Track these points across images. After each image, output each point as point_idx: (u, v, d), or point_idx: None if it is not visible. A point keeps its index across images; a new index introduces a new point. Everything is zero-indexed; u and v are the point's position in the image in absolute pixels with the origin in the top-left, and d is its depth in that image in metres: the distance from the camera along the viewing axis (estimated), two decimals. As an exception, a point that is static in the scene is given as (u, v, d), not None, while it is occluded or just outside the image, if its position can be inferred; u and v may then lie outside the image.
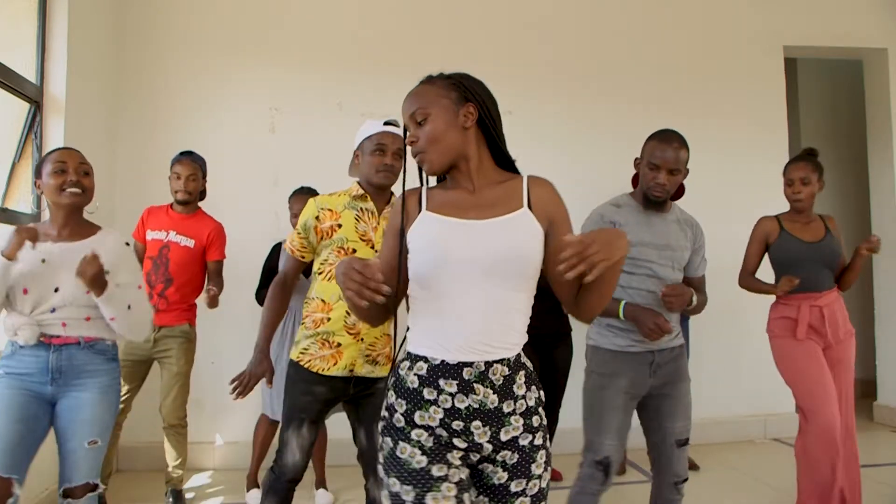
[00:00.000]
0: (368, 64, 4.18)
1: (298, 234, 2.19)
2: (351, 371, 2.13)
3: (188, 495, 3.42)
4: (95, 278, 2.00)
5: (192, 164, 3.19)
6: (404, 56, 4.16)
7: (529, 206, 1.36)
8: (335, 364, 2.12)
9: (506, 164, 1.45)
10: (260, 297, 3.55)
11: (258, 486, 3.26)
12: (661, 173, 2.21)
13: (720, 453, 3.92)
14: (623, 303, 2.19)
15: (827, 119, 5.89)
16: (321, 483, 3.37)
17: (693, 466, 3.75)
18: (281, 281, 2.24)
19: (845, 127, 5.78)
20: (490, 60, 4.27)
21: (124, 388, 3.10)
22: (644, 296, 2.23)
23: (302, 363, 2.16)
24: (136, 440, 3.45)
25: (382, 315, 1.44)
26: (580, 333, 3.65)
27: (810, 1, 4.72)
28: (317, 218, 2.15)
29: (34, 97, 3.34)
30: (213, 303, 3.15)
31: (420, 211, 1.37)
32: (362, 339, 2.13)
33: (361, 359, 2.13)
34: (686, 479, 2.27)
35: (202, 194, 3.32)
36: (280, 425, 2.21)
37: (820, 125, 5.85)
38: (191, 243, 3.18)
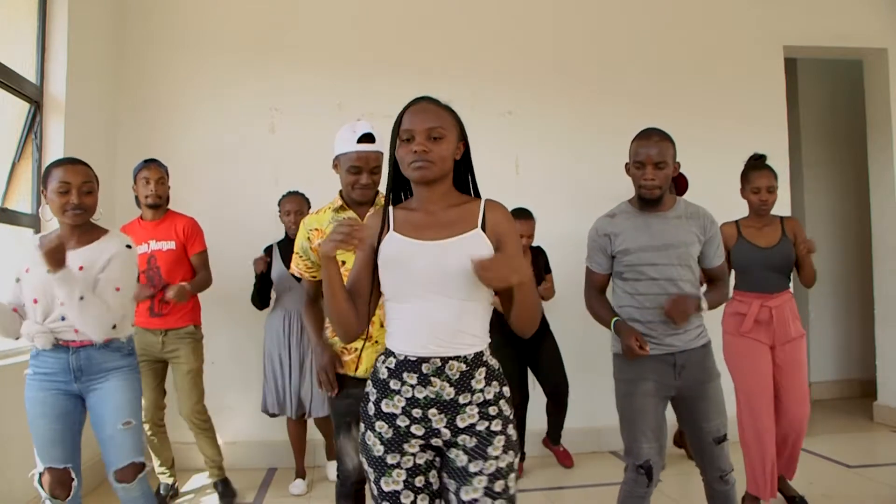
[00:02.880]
0: (368, 64, 4.17)
1: (301, 257, 2.26)
2: None
3: (188, 496, 3.43)
4: (52, 252, 2.02)
5: (159, 169, 3.25)
6: (405, 56, 4.16)
7: (483, 227, 1.54)
8: (356, 369, 2.17)
9: (464, 187, 1.65)
10: (255, 301, 3.59)
11: (303, 477, 3.56)
12: (647, 170, 2.22)
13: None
14: (614, 319, 2.25)
15: (827, 119, 5.88)
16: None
17: None
18: (308, 302, 2.33)
19: (845, 127, 5.78)
20: (491, 60, 4.28)
21: (153, 392, 3.23)
22: (652, 300, 2.23)
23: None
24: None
25: (355, 323, 1.58)
26: (574, 334, 3.68)
27: (810, 1, 4.71)
28: (308, 239, 2.22)
29: (34, 97, 3.35)
30: (179, 295, 3.09)
31: (388, 230, 1.56)
32: (377, 342, 2.14)
33: None
34: (731, 470, 2.31)
35: (167, 200, 3.34)
36: (334, 436, 2.29)
37: (820, 125, 5.84)
38: (172, 245, 3.23)
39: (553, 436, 3.84)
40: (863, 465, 3.75)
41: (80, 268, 2.16)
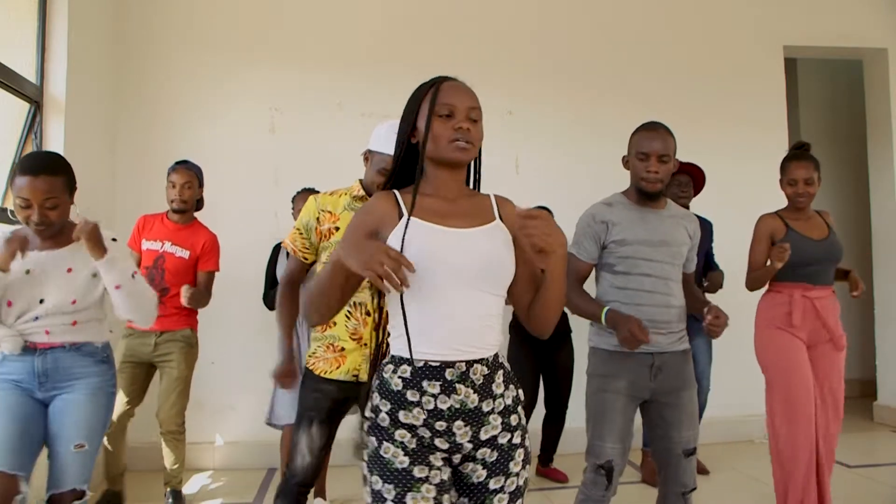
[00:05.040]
0: (368, 64, 4.18)
1: (300, 233, 2.18)
2: (356, 377, 2.10)
3: (188, 496, 3.42)
4: (93, 235, 1.99)
5: (187, 173, 3.17)
6: (404, 56, 4.15)
7: (500, 219, 1.47)
8: (338, 368, 2.12)
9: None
10: (267, 300, 3.53)
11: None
12: (651, 162, 2.16)
13: (720, 453, 3.92)
14: (606, 309, 2.15)
15: (827, 119, 5.88)
16: (320, 492, 3.29)
17: (703, 471, 3.68)
18: (287, 282, 2.25)
19: (845, 127, 5.78)
20: (491, 60, 4.28)
21: (125, 395, 3.10)
22: (644, 297, 2.17)
23: (309, 366, 2.17)
24: (137, 440, 3.45)
25: (335, 314, 1.44)
26: (582, 336, 3.67)
27: (810, 1, 4.72)
28: (317, 219, 2.15)
29: (34, 97, 3.34)
30: (191, 301, 3.05)
31: (401, 216, 1.39)
32: (366, 345, 2.09)
33: (366, 364, 2.08)
34: (693, 489, 2.20)
35: (199, 203, 3.29)
36: (293, 429, 2.21)
37: (820, 125, 5.84)
38: (185, 254, 3.16)
39: (545, 455, 3.74)
40: (863, 465, 3.75)
41: (69, 270, 2.06)
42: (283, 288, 2.25)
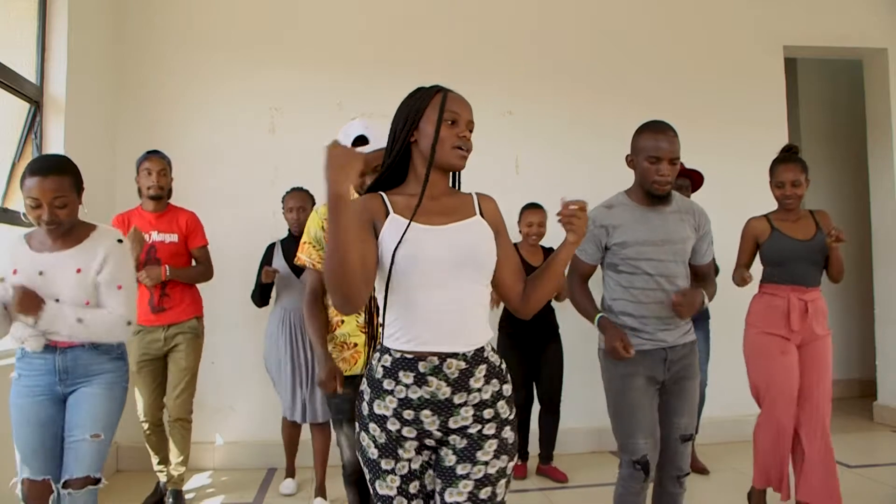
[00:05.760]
0: (368, 64, 4.18)
1: (314, 246, 2.20)
2: None
3: (188, 496, 3.42)
4: (24, 302, 2.02)
5: (160, 161, 3.25)
6: (404, 56, 4.16)
7: (481, 215, 1.57)
8: (355, 364, 2.15)
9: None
10: (255, 298, 3.55)
11: (293, 477, 3.58)
12: (663, 165, 2.16)
13: (721, 453, 3.92)
14: (599, 315, 2.24)
15: (827, 119, 5.88)
16: (320, 490, 3.33)
17: (703, 471, 3.71)
18: (311, 299, 2.22)
19: (845, 126, 5.78)
20: (490, 60, 4.29)
21: (151, 393, 3.22)
22: (649, 295, 2.21)
23: None
24: (137, 440, 3.45)
25: (363, 286, 1.38)
26: (571, 333, 3.68)
27: (810, 1, 4.72)
28: (323, 228, 2.17)
29: (34, 97, 3.35)
30: (152, 277, 3.08)
31: (388, 214, 1.49)
32: (373, 337, 2.11)
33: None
34: (688, 474, 2.29)
35: (169, 192, 3.33)
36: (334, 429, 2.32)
37: (820, 125, 5.84)
38: (175, 238, 3.24)
39: (545, 453, 3.75)
40: (863, 465, 3.75)
41: (78, 270, 2.12)
42: (309, 303, 2.21)
